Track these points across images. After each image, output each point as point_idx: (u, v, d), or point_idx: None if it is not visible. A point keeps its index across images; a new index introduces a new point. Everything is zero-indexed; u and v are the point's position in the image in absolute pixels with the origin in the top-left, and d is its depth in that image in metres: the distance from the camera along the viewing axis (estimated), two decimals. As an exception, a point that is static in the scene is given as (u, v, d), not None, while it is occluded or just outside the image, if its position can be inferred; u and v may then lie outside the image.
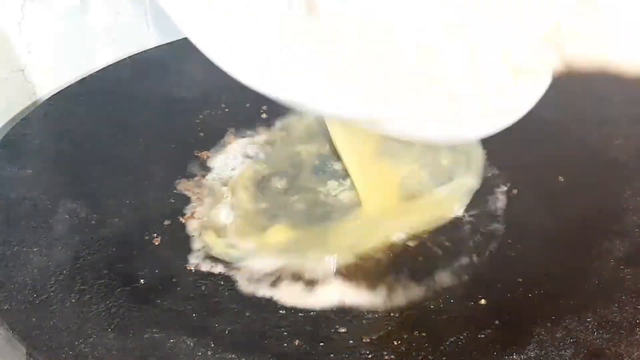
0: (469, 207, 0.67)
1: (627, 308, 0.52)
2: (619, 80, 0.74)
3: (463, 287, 0.59)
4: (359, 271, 0.61)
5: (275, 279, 0.61)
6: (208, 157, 0.74)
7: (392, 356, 0.52)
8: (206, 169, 0.73)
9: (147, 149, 0.72)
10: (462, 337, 0.53)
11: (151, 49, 0.86)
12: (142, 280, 0.59)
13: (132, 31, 0.85)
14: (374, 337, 0.54)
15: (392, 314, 0.57)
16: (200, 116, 0.78)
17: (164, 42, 0.86)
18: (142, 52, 0.84)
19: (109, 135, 0.72)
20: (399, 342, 0.54)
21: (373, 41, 0.56)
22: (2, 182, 0.64)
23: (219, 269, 0.62)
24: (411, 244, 0.63)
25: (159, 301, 0.57)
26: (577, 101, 0.74)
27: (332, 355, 0.53)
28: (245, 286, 0.60)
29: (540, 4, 0.63)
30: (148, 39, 0.87)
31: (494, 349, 0.51)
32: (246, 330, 0.55)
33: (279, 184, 0.72)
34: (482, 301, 0.57)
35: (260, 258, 0.62)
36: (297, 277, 0.61)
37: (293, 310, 0.58)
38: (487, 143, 0.74)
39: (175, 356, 0.51)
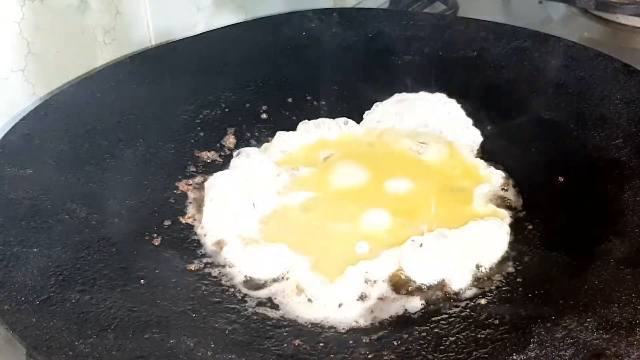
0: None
1: (627, 308, 0.52)
2: (619, 80, 0.74)
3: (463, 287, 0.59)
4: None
5: (276, 279, 0.61)
6: (208, 157, 0.74)
7: (392, 356, 0.52)
8: (206, 169, 0.73)
9: (147, 149, 0.72)
10: (462, 337, 0.53)
11: (151, 49, 0.86)
12: (142, 281, 0.58)
13: (132, 31, 0.85)
14: (374, 337, 0.54)
15: (392, 314, 0.57)
16: (200, 116, 0.78)
17: (164, 42, 0.85)
18: (142, 52, 0.84)
19: (109, 135, 0.72)
20: (399, 342, 0.54)
21: None
22: (2, 182, 0.64)
23: (218, 269, 0.62)
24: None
25: (159, 301, 0.57)
26: (577, 101, 0.74)
27: (332, 355, 0.53)
28: (245, 286, 0.60)
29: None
30: (148, 39, 0.87)
31: (493, 349, 0.51)
32: (246, 330, 0.55)
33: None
34: (482, 301, 0.57)
35: (260, 258, 0.62)
36: (297, 276, 0.61)
37: (293, 310, 0.58)
38: (488, 143, 0.74)
39: (175, 356, 0.51)
